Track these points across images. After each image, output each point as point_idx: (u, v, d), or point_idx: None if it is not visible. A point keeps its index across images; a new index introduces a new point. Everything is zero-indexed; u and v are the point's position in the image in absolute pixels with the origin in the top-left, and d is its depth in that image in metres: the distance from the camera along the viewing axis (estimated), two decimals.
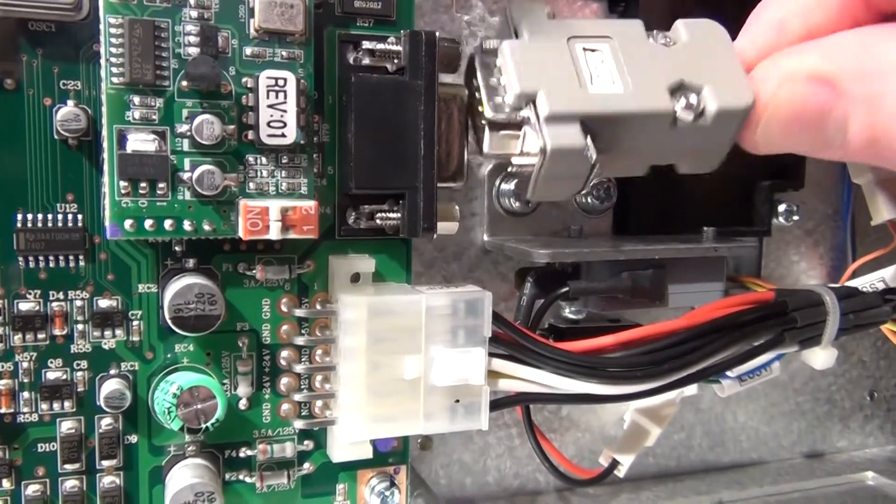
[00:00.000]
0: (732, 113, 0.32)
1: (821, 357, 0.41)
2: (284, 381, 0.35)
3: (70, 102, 0.31)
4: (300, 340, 0.34)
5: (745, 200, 0.48)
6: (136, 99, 0.30)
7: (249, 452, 0.35)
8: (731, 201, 0.48)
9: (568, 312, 0.44)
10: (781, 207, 0.50)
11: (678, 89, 0.32)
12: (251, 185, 0.32)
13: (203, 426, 0.32)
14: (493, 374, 0.35)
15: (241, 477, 0.35)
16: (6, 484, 0.32)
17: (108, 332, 0.33)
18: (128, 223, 0.30)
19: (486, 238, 0.44)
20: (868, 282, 0.47)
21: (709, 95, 0.32)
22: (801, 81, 0.31)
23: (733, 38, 0.34)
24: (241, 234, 0.31)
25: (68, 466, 0.33)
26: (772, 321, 0.38)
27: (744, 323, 0.37)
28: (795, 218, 0.50)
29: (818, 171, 0.51)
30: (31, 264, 0.32)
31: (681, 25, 0.34)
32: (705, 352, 0.36)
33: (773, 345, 0.38)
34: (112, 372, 0.33)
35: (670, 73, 0.33)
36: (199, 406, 0.32)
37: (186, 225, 0.31)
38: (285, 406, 0.35)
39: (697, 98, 0.32)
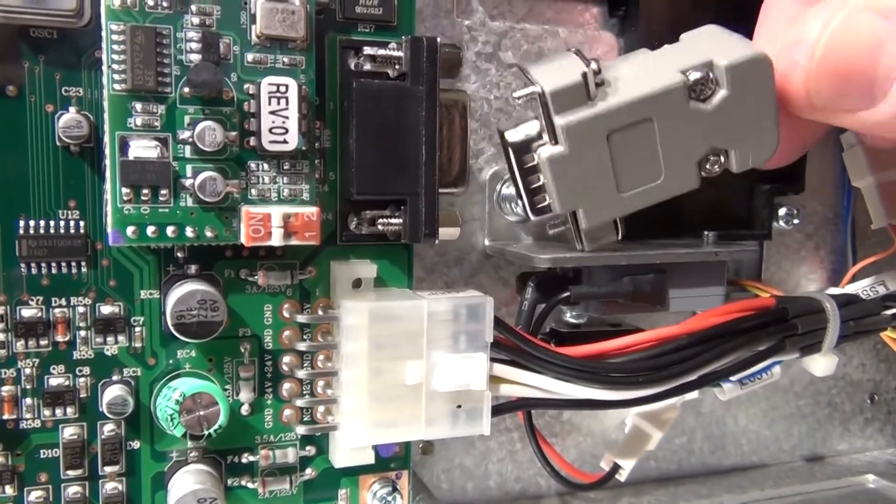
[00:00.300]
0: (744, 66, 0.32)
1: (821, 364, 0.42)
2: (286, 387, 0.35)
3: (72, 109, 0.31)
4: (302, 346, 0.34)
5: (745, 204, 0.48)
6: (138, 105, 0.30)
7: (252, 458, 0.35)
8: (732, 205, 0.48)
9: (569, 317, 0.44)
10: (782, 211, 0.49)
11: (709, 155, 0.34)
12: (253, 191, 0.32)
13: (206, 433, 0.32)
14: (494, 380, 0.35)
15: (243, 483, 0.35)
16: (9, 490, 0.32)
17: (110, 339, 0.33)
18: (130, 230, 0.30)
19: (487, 243, 0.44)
20: (868, 285, 0.47)
21: (717, 62, 0.33)
22: (857, 10, 0.31)
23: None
24: (243, 240, 0.31)
25: (71, 472, 0.33)
26: (773, 328, 0.38)
27: (745, 329, 0.37)
28: (796, 222, 0.50)
29: (818, 174, 0.51)
30: (34, 271, 0.32)
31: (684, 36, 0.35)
32: (706, 358, 0.36)
33: (774, 351, 0.38)
34: (114, 378, 0.33)
35: (702, 143, 0.33)
36: (201, 412, 0.32)
37: (188, 231, 0.31)
38: (287, 412, 0.35)
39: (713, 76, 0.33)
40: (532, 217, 0.35)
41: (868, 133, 0.35)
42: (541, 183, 0.34)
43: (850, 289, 0.46)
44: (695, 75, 0.33)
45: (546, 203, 0.34)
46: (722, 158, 0.34)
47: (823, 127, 0.37)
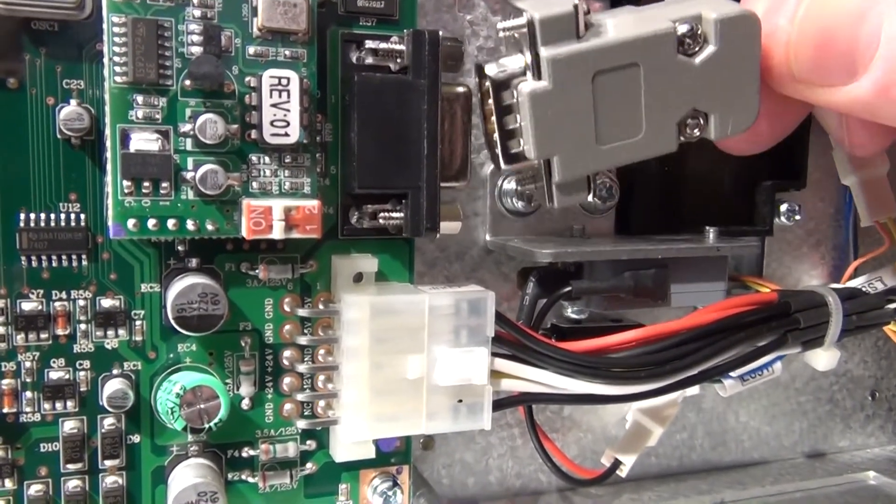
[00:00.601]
0: (733, 21, 0.32)
1: (823, 358, 0.42)
2: (287, 381, 0.35)
3: (73, 102, 0.31)
4: (303, 340, 0.34)
5: (747, 200, 0.48)
6: (140, 98, 0.30)
7: (252, 452, 0.35)
8: (733, 201, 0.48)
9: (570, 312, 0.44)
10: (783, 207, 0.49)
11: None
12: (254, 184, 0.31)
13: (206, 426, 0.32)
14: (495, 374, 0.35)
15: (243, 477, 0.35)
16: (8, 484, 0.32)
17: (110, 332, 0.33)
18: (131, 223, 0.30)
19: (488, 238, 0.43)
20: (865, 281, 0.47)
21: (706, 16, 0.32)
22: None
23: None
24: (244, 233, 0.31)
25: (71, 466, 0.33)
26: (775, 322, 0.38)
27: (747, 324, 0.37)
28: (797, 217, 0.50)
29: (820, 170, 0.51)
30: (34, 264, 0.31)
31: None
32: (708, 352, 0.36)
33: (777, 346, 0.38)
34: (115, 372, 0.33)
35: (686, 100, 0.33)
36: (202, 406, 0.32)
37: (189, 224, 0.31)
38: (288, 406, 0.35)
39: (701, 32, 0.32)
40: (503, 165, 0.33)
41: (849, 113, 0.35)
42: (517, 125, 0.32)
43: (850, 285, 0.46)
44: (683, 27, 0.32)
45: (520, 149, 0.33)
46: (701, 121, 0.33)
47: (802, 110, 0.37)
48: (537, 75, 0.31)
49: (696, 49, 0.32)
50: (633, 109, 0.33)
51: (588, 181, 0.33)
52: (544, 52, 0.31)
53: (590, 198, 0.34)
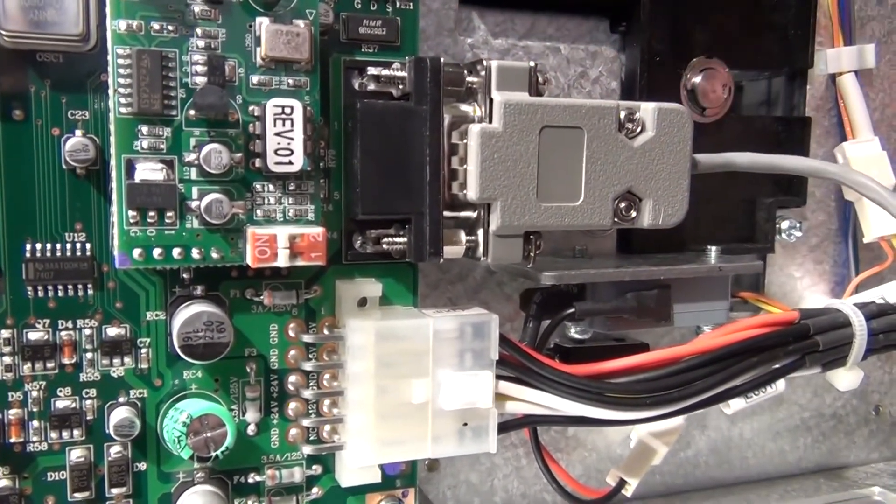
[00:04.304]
0: (668, 113, 0.35)
1: (845, 378, 0.41)
2: (292, 406, 0.35)
3: (78, 132, 0.31)
4: (308, 365, 0.34)
5: (748, 217, 0.48)
6: (144, 128, 0.30)
7: (258, 478, 0.35)
8: (735, 218, 0.48)
9: (573, 332, 0.44)
10: (784, 224, 0.50)
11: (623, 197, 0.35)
12: (259, 212, 0.32)
13: (213, 454, 0.32)
14: (500, 397, 0.35)
15: (249, 503, 0.35)
16: None
17: (116, 360, 0.33)
18: (136, 252, 0.30)
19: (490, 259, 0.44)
20: (869, 298, 0.47)
21: (645, 105, 0.35)
22: None
23: None
24: (249, 261, 0.31)
25: (78, 495, 0.33)
26: (792, 346, 0.38)
27: (761, 348, 0.37)
28: (798, 234, 0.50)
29: (820, 187, 0.51)
30: (40, 294, 0.32)
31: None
32: (718, 379, 0.36)
33: (793, 368, 0.38)
34: (121, 400, 0.33)
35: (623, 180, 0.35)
36: (208, 434, 0.32)
37: (195, 253, 0.31)
38: (293, 431, 0.35)
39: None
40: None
41: None
42: (461, 168, 0.33)
43: (853, 300, 0.46)
44: (625, 110, 0.35)
45: (461, 192, 0.33)
46: (635, 205, 0.35)
47: None
48: (489, 119, 0.33)
49: (636, 133, 0.35)
50: (574, 172, 0.34)
51: (525, 242, 0.34)
52: (498, 97, 0.33)
53: (528, 262, 0.35)
